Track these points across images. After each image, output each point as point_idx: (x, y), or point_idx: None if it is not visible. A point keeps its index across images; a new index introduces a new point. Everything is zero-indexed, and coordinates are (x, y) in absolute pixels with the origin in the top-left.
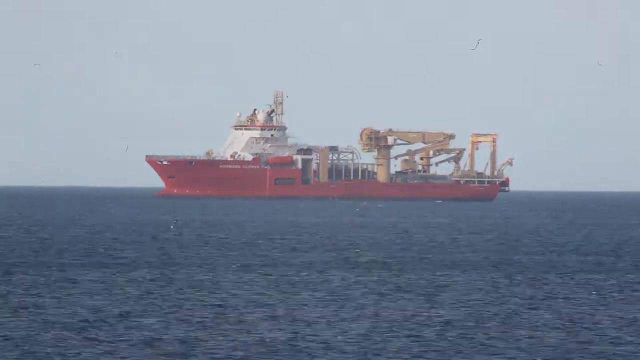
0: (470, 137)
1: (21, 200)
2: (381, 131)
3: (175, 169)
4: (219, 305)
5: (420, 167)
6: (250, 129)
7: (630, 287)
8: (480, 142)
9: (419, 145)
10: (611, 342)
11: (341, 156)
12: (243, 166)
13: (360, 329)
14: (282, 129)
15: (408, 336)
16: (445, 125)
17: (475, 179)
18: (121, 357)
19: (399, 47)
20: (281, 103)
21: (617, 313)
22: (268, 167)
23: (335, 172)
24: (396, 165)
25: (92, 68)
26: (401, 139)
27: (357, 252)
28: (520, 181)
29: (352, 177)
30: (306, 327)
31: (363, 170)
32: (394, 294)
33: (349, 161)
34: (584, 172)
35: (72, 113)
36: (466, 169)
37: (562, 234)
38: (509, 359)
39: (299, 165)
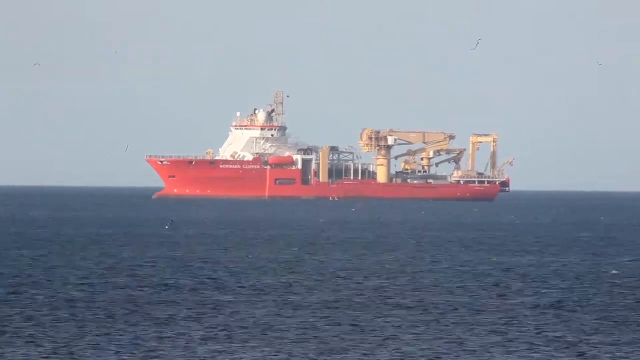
0: (470, 138)
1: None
2: (382, 131)
3: (175, 169)
4: None
5: (420, 168)
6: (250, 129)
7: None
8: (480, 142)
9: (420, 145)
10: None
11: (341, 156)
12: (243, 166)
13: None
14: (283, 129)
15: None
16: (446, 126)
17: (476, 179)
18: None
19: (399, 47)
20: (281, 103)
21: None
22: (268, 167)
23: (336, 172)
24: (397, 166)
25: (92, 68)
26: (402, 139)
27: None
28: (521, 181)
29: (352, 177)
30: None
31: (363, 171)
32: None
33: (350, 161)
34: (584, 172)
35: (72, 113)
36: (467, 169)
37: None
38: None
39: (299, 166)
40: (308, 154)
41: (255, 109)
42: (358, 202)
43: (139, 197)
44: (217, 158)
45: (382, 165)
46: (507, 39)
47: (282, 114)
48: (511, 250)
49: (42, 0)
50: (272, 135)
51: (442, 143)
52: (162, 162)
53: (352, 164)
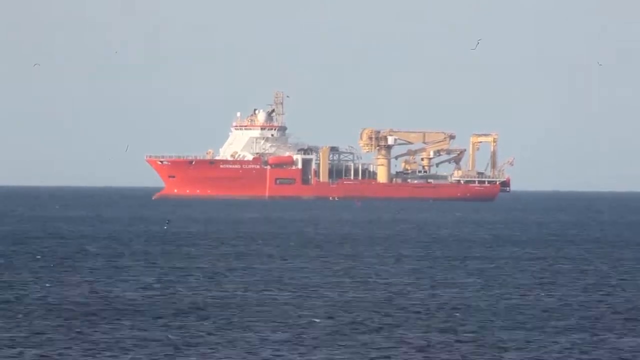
0: (470, 138)
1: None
2: (382, 131)
3: (175, 169)
4: None
5: (420, 167)
6: (250, 129)
7: None
8: (480, 142)
9: (420, 145)
10: None
11: (341, 156)
12: (243, 166)
13: None
14: (283, 129)
15: None
16: (446, 126)
17: (476, 179)
18: None
19: (399, 47)
20: (281, 103)
21: None
22: (268, 167)
23: (336, 172)
24: (397, 166)
25: (91, 68)
26: (402, 139)
27: None
28: (521, 181)
29: (352, 177)
30: None
31: (363, 171)
32: None
33: (350, 161)
34: (584, 172)
35: (72, 113)
36: (467, 169)
37: None
38: None
39: (299, 165)
40: (308, 154)
41: (255, 109)
42: (355, 202)
43: (139, 197)
44: (217, 158)
45: (382, 165)
46: (507, 39)
47: (282, 114)
48: None
49: (42, 0)
50: (272, 135)
51: (442, 143)
52: (162, 162)
53: (352, 164)
